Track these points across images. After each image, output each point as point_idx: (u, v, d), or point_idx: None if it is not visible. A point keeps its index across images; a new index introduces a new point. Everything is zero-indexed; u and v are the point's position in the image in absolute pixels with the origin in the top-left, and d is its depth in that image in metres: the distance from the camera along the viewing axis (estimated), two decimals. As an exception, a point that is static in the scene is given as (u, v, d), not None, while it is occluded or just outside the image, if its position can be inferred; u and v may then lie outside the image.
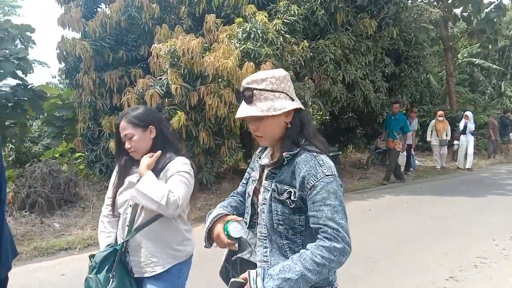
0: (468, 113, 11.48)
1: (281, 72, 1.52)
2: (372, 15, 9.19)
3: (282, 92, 1.47)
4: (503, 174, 10.60)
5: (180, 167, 1.95)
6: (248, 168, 1.75)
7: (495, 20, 14.52)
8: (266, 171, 1.55)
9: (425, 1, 13.49)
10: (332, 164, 1.45)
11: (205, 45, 7.13)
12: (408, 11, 9.99)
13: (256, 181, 1.61)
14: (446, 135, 10.96)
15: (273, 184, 1.48)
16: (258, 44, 7.31)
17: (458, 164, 11.44)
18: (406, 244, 5.00)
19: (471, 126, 11.22)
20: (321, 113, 11.16)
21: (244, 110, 1.47)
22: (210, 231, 1.64)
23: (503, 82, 19.23)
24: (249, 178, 1.70)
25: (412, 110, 10.96)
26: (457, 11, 15.58)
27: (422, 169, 11.19)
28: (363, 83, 8.95)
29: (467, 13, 15.16)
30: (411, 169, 10.92)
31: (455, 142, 12.62)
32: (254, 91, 1.44)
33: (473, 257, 4.49)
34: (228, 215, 1.63)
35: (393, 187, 8.98)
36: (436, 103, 15.44)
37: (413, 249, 4.80)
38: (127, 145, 1.99)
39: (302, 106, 1.52)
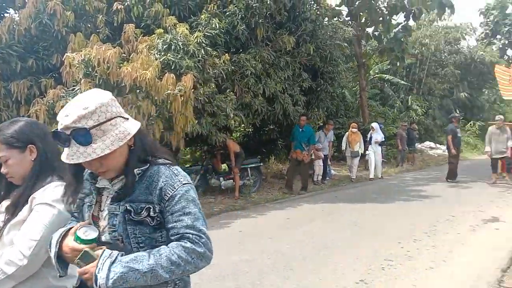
0: (374, 125, 12.31)
1: (104, 95, 1.32)
2: (291, 32, 9.61)
3: (118, 117, 1.32)
4: (409, 181, 11.56)
5: (45, 197, 1.55)
6: (72, 194, 1.43)
7: (402, 39, 15.89)
8: (107, 194, 1.40)
9: (340, 20, 14.38)
10: (185, 173, 1.43)
11: (123, 55, 6.94)
12: (324, 29, 10.59)
13: (93, 206, 1.41)
14: (359, 147, 11.59)
15: (123, 206, 1.34)
16: (179, 56, 7.29)
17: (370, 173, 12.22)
18: (320, 250, 5.24)
19: (378, 137, 11.92)
20: (243, 125, 11.37)
21: (84, 154, 1.25)
22: (59, 256, 1.37)
23: (409, 97, 21.02)
24: (83, 205, 1.44)
25: (328, 122, 11.53)
26: (370, 30, 16.83)
27: (338, 178, 11.86)
28: (283, 96, 9.29)
29: (378, 33, 16.43)
30: (327, 178, 11.49)
31: (367, 152, 13.56)
32: (91, 130, 1.24)
33: (381, 260, 4.83)
34: (72, 227, 1.38)
35: (311, 196, 9.38)
36: (351, 116, 16.44)
37: (327, 255, 5.05)
38: (3, 170, 1.62)
39: (138, 122, 1.39)
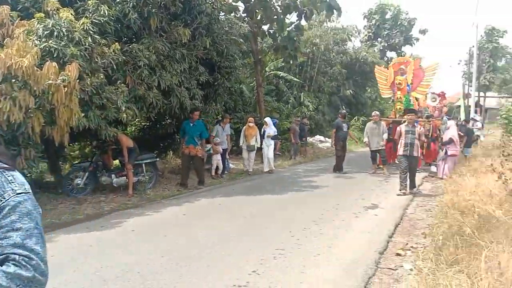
0: (267, 120, 12.67)
1: None
2: (186, 24, 9.42)
3: None
4: (301, 173, 12.20)
5: None
6: None
7: (295, 38, 16.64)
8: None
9: (236, 16, 14.52)
10: (24, 180, 1.21)
11: (-5, 40, 6.14)
12: (220, 24, 10.58)
13: None
14: (256, 141, 11.84)
15: None
16: (63, 43, 6.70)
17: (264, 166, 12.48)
18: (216, 244, 5.25)
19: (270, 131, 12.24)
20: (138, 119, 10.90)
21: None
22: None
23: (302, 93, 22.20)
24: None
25: (225, 116, 11.61)
26: (265, 27, 17.31)
27: (236, 172, 12.05)
28: (179, 90, 9.08)
29: (273, 30, 16.97)
30: (226, 172, 11.61)
31: (263, 146, 13.99)
32: None
33: (273, 250, 5.00)
34: None
35: (209, 190, 9.36)
36: (248, 111, 16.81)
37: (223, 249, 5.07)
38: None
39: None
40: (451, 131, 10.54)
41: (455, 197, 7.31)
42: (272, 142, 12.40)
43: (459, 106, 31.00)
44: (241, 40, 11.69)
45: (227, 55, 10.55)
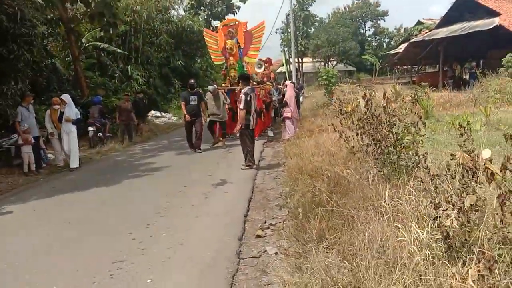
0: (65, 97, 9.34)
1: None
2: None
3: None
4: (138, 155, 10.87)
5: None
6: None
7: (111, 4, 14.66)
8: None
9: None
10: None
11: None
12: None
13: None
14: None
15: None
16: None
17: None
18: (32, 264, 3.81)
19: (70, 113, 9.17)
20: None
21: None
22: None
23: (129, 66, 20.20)
24: None
25: (26, 94, 9.01)
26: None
27: (55, 164, 9.85)
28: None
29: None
30: (44, 165, 9.50)
31: (90, 128, 12.06)
32: None
33: (109, 263, 3.85)
34: None
35: (20, 192, 7.33)
36: (66, 89, 14.33)
37: (40, 271, 3.68)
38: None
39: None
40: (287, 94, 10.59)
41: (300, 161, 7.21)
42: (74, 128, 9.29)
43: (282, 72, 33.23)
44: (40, 1, 9.36)
45: (22, 19, 8.30)
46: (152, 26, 22.52)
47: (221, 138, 11.36)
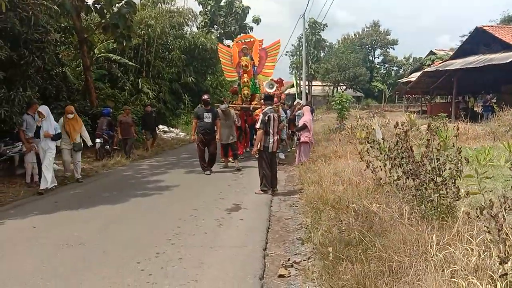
0: (42, 109, 8.06)
1: None
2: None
3: None
4: (145, 171, 10.44)
5: None
6: None
7: (127, 16, 14.47)
8: None
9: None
10: None
11: None
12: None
13: None
14: (82, 137, 9.13)
15: None
16: None
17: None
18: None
19: (48, 129, 8.00)
20: None
21: None
22: None
23: (140, 79, 19.99)
24: None
25: (32, 102, 8.47)
26: (90, 1, 14.63)
27: (61, 175, 9.27)
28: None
29: (100, 5, 14.45)
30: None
31: (97, 140, 11.67)
32: None
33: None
34: None
35: (20, 206, 6.88)
36: (75, 99, 14.04)
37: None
38: None
39: None
40: (305, 117, 10.18)
41: (319, 188, 6.74)
42: (53, 144, 8.13)
43: (291, 94, 33.03)
44: (55, 7, 9.07)
45: (36, 24, 8.01)
46: (165, 41, 22.44)
47: (231, 159, 10.89)
